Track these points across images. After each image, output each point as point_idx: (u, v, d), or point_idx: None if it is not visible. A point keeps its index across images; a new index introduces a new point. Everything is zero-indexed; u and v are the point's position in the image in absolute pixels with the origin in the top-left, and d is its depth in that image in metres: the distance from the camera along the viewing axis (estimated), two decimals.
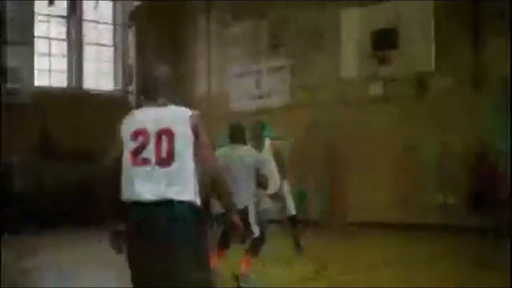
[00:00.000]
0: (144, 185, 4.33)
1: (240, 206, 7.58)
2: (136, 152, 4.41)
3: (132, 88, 23.60)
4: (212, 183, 4.45)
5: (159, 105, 4.61)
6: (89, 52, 23.08)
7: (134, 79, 23.55)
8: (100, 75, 23.52)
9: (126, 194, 4.41)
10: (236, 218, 4.60)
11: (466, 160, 16.49)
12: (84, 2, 22.27)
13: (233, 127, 8.15)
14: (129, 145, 4.46)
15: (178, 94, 4.82)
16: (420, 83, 17.54)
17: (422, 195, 17.17)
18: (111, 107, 22.75)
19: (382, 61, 15.14)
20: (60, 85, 21.98)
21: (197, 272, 4.30)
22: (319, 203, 19.32)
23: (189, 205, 4.34)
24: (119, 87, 23.75)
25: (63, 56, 22.28)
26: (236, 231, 4.67)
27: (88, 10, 22.34)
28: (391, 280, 10.00)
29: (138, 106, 4.86)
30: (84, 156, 21.04)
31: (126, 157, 4.44)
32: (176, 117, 4.48)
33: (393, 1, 15.61)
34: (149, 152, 4.38)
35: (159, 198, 4.30)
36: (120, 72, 23.79)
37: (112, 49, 23.80)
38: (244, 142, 8.90)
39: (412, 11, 14.92)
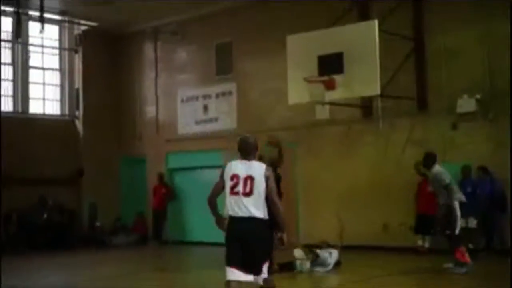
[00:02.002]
0: (235, 207, 7.65)
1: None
2: (233, 187, 7.70)
3: (79, 113, 23.41)
4: (274, 214, 7.71)
5: (248, 160, 7.83)
6: (35, 76, 22.86)
7: (81, 104, 23.38)
8: (46, 100, 23.27)
9: (226, 210, 7.74)
10: (284, 236, 7.98)
11: (412, 182, 16.69)
12: (30, 26, 22.08)
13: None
14: (229, 183, 7.74)
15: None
16: (366, 107, 17.78)
17: (371, 216, 17.33)
18: (58, 133, 22.63)
19: (328, 85, 15.23)
20: (5, 109, 21.69)
21: (264, 251, 7.74)
22: None
23: (260, 219, 7.61)
24: (66, 112, 23.55)
25: (9, 80, 22.04)
26: (281, 244, 7.98)
27: (34, 34, 22.14)
28: None
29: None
30: (32, 182, 20.81)
31: (227, 189, 7.76)
32: (256, 169, 7.74)
33: (339, 27, 15.77)
34: (239, 188, 7.66)
35: (244, 215, 7.61)
36: (66, 97, 23.60)
37: (58, 73, 23.61)
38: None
39: (358, 36, 15.07)
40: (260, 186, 7.62)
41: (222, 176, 7.87)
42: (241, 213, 7.60)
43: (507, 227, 15.30)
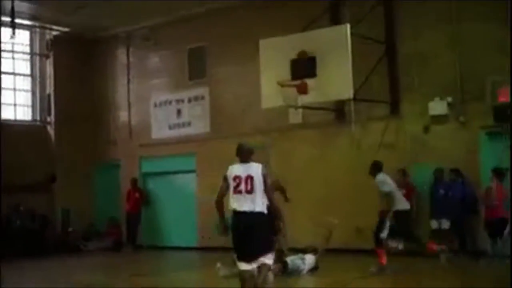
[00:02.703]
0: (239, 203, 8.70)
1: None
2: (236, 187, 8.73)
3: (51, 119, 23.27)
4: (271, 206, 8.93)
5: (246, 162, 8.90)
6: (5, 82, 22.66)
7: (53, 109, 23.23)
8: (18, 105, 23.09)
9: (231, 206, 8.72)
10: (280, 224, 10.27)
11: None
12: (1, 32, 21.89)
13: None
14: (232, 183, 8.77)
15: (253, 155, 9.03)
16: (339, 110, 17.87)
17: (344, 219, 17.38)
18: (30, 139, 22.45)
19: (301, 89, 15.28)
20: None
21: (264, 240, 8.82)
22: None
23: (260, 213, 8.68)
24: (37, 118, 23.39)
25: None
26: (281, 233, 10.23)
27: (4, 39, 21.93)
28: None
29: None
30: (4, 188, 20.57)
31: (231, 189, 8.78)
32: (254, 169, 8.80)
33: (311, 31, 15.83)
34: (241, 187, 8.71)
35: (247, 209, 8.65)
36: (38, 102, 23.44)
37: (29, 79, 23.45)
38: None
39: (330, 40, 15.13)
40: (259, 183, 8.73)
41: (225, 179, 8.90)
42: (244, 208, 8.68)
43: (478, 228, 15.44)
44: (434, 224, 16.06)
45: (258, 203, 8.69)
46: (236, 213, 8.74)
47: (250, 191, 8.70)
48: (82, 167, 23.29)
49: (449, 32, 16.26)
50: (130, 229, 21.95)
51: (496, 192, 14.65)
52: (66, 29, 22.71)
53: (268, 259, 8.82)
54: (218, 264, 13.57)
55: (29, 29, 23.09)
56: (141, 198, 22.02)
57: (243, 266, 8.73)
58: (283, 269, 13.36)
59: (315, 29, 15.97)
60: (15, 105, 23.02)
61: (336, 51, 15.09)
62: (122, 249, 21.86)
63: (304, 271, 13.65)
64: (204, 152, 20.64)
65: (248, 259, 8.69)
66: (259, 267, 8.73)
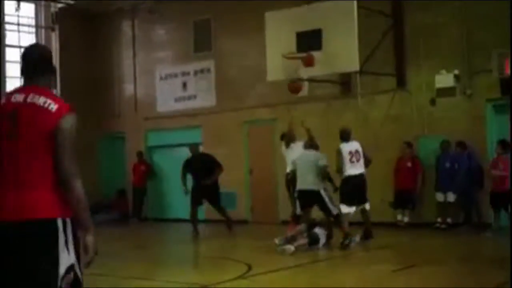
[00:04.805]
0: (353, 169, 13.15)
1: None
2: (350, 158, 13.11)
3: (56, 91, 23.25)
4: (369, 162, 13.99)
5: (350, 141, 13.28)
6: (11, 55, 22.65)
7: (59, 82, 23.20)
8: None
9: (347, 172, 13.17)
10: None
11: (391, 158, 16.81)
12: (6, 4, 21.85)
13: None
14: (347, 156, 13.13)
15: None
16: (345, 83, 17.82)
17: None
18: None
19: (307, 62, 15.23)
20: None
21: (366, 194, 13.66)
22: (247, 203, 19.53)
23: (363, 174, 13.41)
24: None
25: None
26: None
27: (9, 12, 21.90)
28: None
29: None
30: None
31: (346, 160, 13.16)
32: (356, 145, 13.31)
33: (317, 3, 15.76)
34: (354, 158, 13.11)
35: (357, 173, 13.23)
36: None
37: None
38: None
39: (336, 13, 15.06)
40: (360, 154, 13.25)
41: (341, 151, 13.24)
42: (356, 171, 13.17)
43: (484, 201, 15.46)
44: (439, 197, 16.07)
45: (362, 168, 13.27)
46: (351, 176, 13.06)
47: (358, 160, 13.17)
48: (88, 140, 23.27)
49: (456, 4, 16.17)
50: (136, 202, 22.04)
51: (502, 165, 14.65)
52: (71, 2, 22.64)
53: (368, 205, 13.58)
54: (277, 240, 13.27)
55: (34, 1, 23.02)
56: (146, 171, 22.09)
57: (347, 209, 13.06)
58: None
59: (321, 1, 15.90)
60: (20, 78, 22.95)
61: (343, 24, 15.04)
62: (128, 221, 21.97)
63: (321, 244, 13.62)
64: (210, 125, 20.65)
65: (356, 204, 13.20)
66: (363, 210, 13.57)
